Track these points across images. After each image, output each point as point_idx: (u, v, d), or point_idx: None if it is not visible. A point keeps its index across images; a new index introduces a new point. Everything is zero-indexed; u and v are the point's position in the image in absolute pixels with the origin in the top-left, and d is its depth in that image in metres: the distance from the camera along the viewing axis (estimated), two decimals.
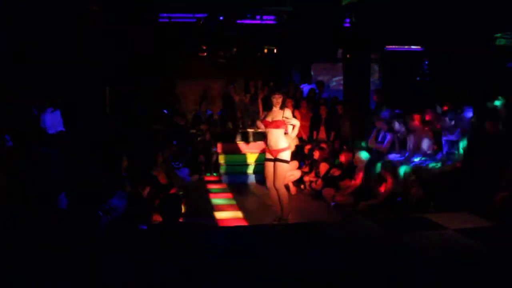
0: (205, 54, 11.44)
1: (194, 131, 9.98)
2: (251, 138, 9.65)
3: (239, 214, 6.77)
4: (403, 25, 9.19)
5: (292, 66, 12.70)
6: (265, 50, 11.34)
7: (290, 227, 5.40)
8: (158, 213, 4.53)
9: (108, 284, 2.85)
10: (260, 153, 9.09)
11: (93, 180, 5.82)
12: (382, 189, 6.49)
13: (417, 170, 6.29)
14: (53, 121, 7.56)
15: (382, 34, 9.26)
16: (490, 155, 5.44)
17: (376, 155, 7.36)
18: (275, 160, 5.90)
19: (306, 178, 8.10)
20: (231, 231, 5.67)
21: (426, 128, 7.07)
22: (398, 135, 7.48)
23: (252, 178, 9.15)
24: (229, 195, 7.97)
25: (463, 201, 5.17)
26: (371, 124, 8.15)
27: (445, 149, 6.64)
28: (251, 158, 9.35)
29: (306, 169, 8.40)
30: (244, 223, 6.28)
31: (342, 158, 7.60)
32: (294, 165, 8.03)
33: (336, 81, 12.93)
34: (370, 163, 7.00)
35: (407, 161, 6.79)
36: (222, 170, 9.30)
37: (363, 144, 8.02)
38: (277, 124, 5.87)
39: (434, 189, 5.82)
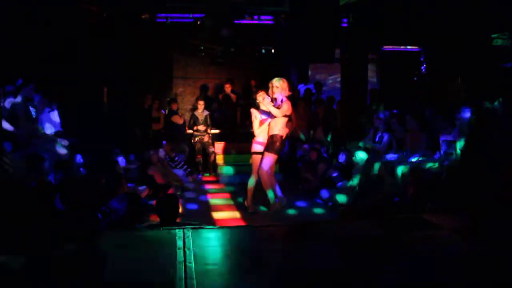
0: (203, 54, 11.44)
1: (191, 131, 9.97)
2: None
3: (236, 214, 6.77)
4: (400, 26, 9.21)
5: (290, 66, 12.70)
6: (263, 50, 11.35)
7: (287, 227, 5.39)
8: (155, 213, 4.54)
9: (107, 283, 2.86)
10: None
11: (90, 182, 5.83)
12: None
13: (414, 170, 6.30)
14: (50, 121, 7.55)
15: (379, 35, 9.28)
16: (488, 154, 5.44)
17: (373, 155, 7.37)
18: None
19: (304, 178, 8.10)
20: (229, 231, 5.68)
21: (424, 128, 7.09)
22: (395, 134, 7.49)
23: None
24: (227, 195, 7.97)
25: (461, 201, 5.17)
26: (368, 124, 8.15)
27: (442, 149, 6.66)
28: (250, 158, 9.30)
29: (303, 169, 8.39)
30: (241, 223, 6.29)
31: (340, 158, 7.61)
32: None
33: (332, 79, 12.95)
34: (368, 163, 7.00)
35: (404, 161, 6.80)
36: (220, 170, 9.28)
37: (361, 144, 8.03)
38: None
39: (432, 189, 5.83)
